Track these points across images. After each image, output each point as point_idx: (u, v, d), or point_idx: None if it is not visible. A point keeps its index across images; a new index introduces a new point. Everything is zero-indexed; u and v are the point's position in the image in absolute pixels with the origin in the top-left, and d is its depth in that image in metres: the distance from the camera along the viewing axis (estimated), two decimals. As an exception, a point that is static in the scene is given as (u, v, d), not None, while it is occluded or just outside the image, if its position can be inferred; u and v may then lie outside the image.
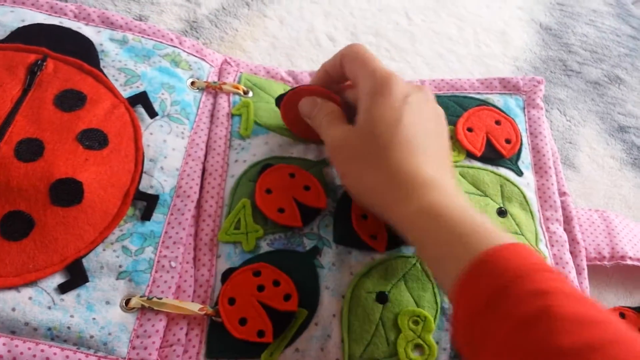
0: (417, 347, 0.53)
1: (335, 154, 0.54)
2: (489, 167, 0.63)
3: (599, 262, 0.64)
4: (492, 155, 0.64)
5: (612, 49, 0.90)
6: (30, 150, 0.53)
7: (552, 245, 0.61)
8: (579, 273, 0.61)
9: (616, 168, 0.77)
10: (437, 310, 0.54)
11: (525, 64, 0.85)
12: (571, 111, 0.81)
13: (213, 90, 0.65)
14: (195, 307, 0.51)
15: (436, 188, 0.48)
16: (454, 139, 0.65)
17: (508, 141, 0.65)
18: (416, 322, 0.53)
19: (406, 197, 0.48)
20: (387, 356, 0.52)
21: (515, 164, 0.65)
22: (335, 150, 0.53)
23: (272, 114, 0.64)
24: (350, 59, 0.55)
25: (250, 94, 0.66)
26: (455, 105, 0.68)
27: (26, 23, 0.60)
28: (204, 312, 0.51)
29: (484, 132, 0.65)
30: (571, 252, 0.62)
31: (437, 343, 0.53)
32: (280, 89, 0.67)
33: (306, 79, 0.69)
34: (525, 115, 0.69)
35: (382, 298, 0.54)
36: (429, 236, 0.46)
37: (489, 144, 0.65)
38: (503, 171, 0.64)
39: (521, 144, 0.66)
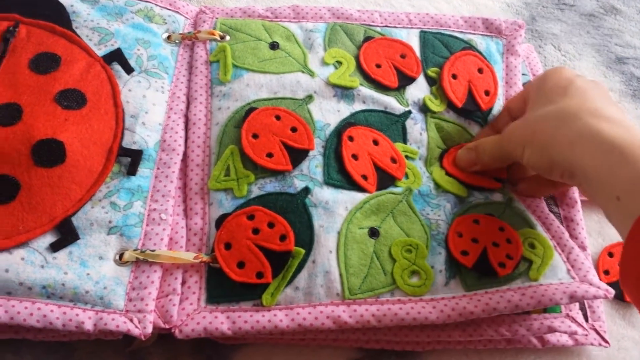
0: (414, 273, 0.53)
1: (511, 135, 0.55)
2: (463, 122, 0.64)
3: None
4: (471, 108, 0.64)
5: (607, -21, 0.88)
6: (9, 114, 0.52)
7: None
8: (572, 206, 0.61)
9: (615, 100, 0.76)
10: (427, 238, 0.55)
11: (516, 0, 0.83)
12: (566, 45, 0.79)
13: (190, 41, 0.64)
14: (189, 256, 0.51)
15: (620, 124, 0.48)
16: (439, 85, 0.64)
17: (487, 93, 0.65)
18: (409, 251, 0.54)
19: (578, 120, 0.49)
20: (385, 285, 0.52)
21: (486, 118, 0.65)
22: (511, 132, 0.55)
23: (250, 53, 0.63)
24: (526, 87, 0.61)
25: (228, 37, 0.64)
26: (441, 45, 0.67)
27: (-6, -8, 0.60)
28: (199, 260, 0.51)
29: (466, 81, 0.65)
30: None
31: (432, 267, 0.53)
32: (258, 26, 0.66)
33: (286, 13, 0.68)
34: (503, 62, 0.69)
35: (374, 233, 0.54)
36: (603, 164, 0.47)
37: (470, 94, 0.65)
38: (474, 127, 0.64)
39: (497, 97, 0.66)
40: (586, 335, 0.56)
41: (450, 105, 0.64)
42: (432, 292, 0.52)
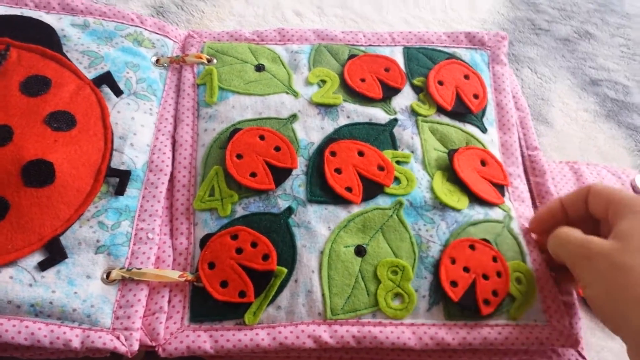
0: (397, 296, 0.53)
1: (589, 270, 0.49)
2: (457, 124, 0.64)
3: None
4: (461, 110, 0.65)
5: (581, 5, 0.90)
6: (0, 136, 0.53)
7: (515, 200, 0.62)
8: None
9: (590, 121, 0.77)
10: (415, 260, 0.55)
11: (494, 26, 0.85)
12: (542, 68, 0.81)
13: (178, 64, 0.66)
14: (175, 275, 0.52)
15: None
16: (426, 91, 0.65)
17: (476, 96, 0.66)
18: (395, 272, 0.54)
19: None
20: (368, 307, 0.52)
21: (480, 120, 0.65)
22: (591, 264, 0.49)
23: (236, 75, 0.64)
24: (600, 191, 0.53)
25: (215, 61, 0.66)
26: (425, 58, 0.69)
27: (-13, 16, 0.61)
28: (184, 278, 0.52)
29: (453, 86, 0.66)
30: (545, 204, 0.62)
31: (416, 291, 0.53)
32: (244, 49, 0.67)
33: (272, 36, 0.69)
34: (489, 71, 0.70)
35: (360, 251, 0.55)
36: None
37: (459, 98, 0.65)
38: (469, 128, 0.64)
39: (487, 100, 0.67)
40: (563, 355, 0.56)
41: (440, 109, 0.64)
42: (414, 316, 0.53)
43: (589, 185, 0.55)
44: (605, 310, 0.48)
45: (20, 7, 0.63)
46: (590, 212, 0.54)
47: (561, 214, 0.56)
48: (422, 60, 0.68)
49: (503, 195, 0.61)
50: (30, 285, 0.49)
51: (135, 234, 0.54)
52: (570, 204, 0.56)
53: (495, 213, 0.59)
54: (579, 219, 0.55)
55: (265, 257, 0.53)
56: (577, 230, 0.52)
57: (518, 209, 0.61)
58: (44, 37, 0.61)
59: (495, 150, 0.64)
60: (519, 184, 0.63)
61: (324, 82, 0.65)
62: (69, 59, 0.60)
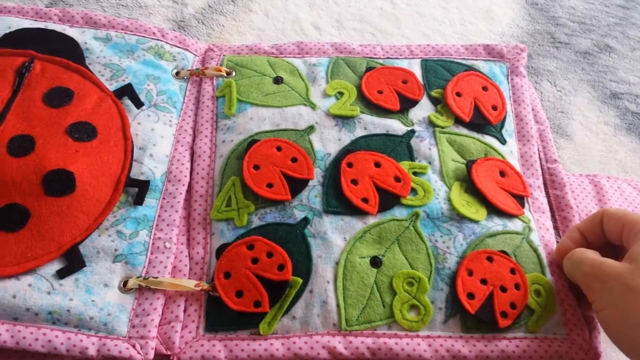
0: (413, 307, 0.53)
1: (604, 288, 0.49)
2: (475, 135, 0.64)
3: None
4: (479, 122, 0.65)
5: (601, 19, 0.90)
6: (22, 145, 0.55)
7: (535, 212, 0.62)
8: None
9: (610, 134, 0.77)
10: (431, 271, 0.55)
11: (512, 39, 0.85)
12: (561, 82, 0.81)
13: (197, 77, 0.67)
14: (191, 284, 0.52)
15: None
16: (444, 102, 0.66)
17: (494, 108, 0.66)
18: (411, 284, 0.54)
19: None
20: (383, 318, 0.52)
21: (499, 131, 0.65)
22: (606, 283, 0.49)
23: (254, 87, 0.65)
24: (613, 214, 0.53)
25: (234, 74, 0.67)
26: (443, 70, 0.69)
27: (13, 29, 0.63)
28: (200, 287, 0.52)
29: (472, 98, 0.66)
30: (565, 217, 0.62)
31: (433, 303, 0.53)
32: (263, 62, 0.68)
33: (291, 49, 0.70)
34: (509, 82, 0.70)
35: (376, 262, 0.55)
36: None
37: (477, 109, 0.66)
38: (488, 139, 0.65)
39: (506, 112, 0.67)
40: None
41: (458, 121, 0.65)
42: (430, 328, 0.52)
43: (603, 209, 0.55)
44: (618, 332, 0.48)
45: (45, 21, 0.65)
46: (606, 236, 0.54)
47: (582, 242, 0.56)
48: (440, 72, 0.69)
49: (523, 206, 0.61)
50: (49, 293, 0.50)
51: (153, 243, 0.55)
52: (586, 230, 0.56)
53: (515, 224, 0.59)
54: (599, 245, 0.55)
55: (281, 267, 0.53)
56: (593, 252, 0.52)
57: (538, 220, 0.61)
58: (68, 49, 0.63)
59: (514, 162, 0.64)
60: (538, 195, 0.63)
61: (341, 94, 0.65)
62: (91, 71, 0.62)
